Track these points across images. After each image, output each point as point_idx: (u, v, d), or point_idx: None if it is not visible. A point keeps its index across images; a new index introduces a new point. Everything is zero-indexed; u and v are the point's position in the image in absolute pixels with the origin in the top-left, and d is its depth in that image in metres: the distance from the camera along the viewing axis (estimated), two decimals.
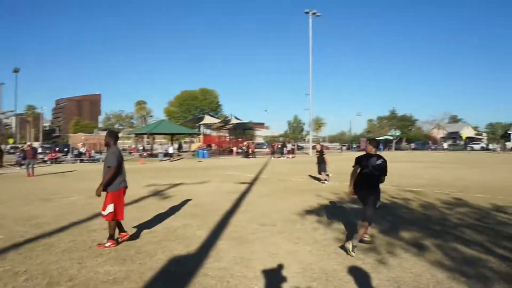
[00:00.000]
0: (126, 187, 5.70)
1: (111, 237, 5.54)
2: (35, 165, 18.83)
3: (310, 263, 4.71)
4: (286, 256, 5.00)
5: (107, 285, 4.04)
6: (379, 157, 5.39)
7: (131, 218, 7.47)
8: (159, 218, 7.47)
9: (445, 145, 72.76)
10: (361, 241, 5.39)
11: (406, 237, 5.93)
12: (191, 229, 6.64)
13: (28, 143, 27.64)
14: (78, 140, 73.27)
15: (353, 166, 5.60)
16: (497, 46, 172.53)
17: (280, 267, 4.58)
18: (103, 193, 5.44)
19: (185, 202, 9.58)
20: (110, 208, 5.37)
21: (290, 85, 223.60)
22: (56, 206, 9.27)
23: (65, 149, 40.84)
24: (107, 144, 5.65)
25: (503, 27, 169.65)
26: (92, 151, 38.62)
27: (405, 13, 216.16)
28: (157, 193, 11.31)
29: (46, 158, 30.57)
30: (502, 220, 7.00)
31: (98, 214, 7.98)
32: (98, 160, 32.72)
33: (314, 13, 45.55)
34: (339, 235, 6.11)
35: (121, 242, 5.62)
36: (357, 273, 4.33)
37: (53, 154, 31.27)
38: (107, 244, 5.47)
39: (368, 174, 5.33)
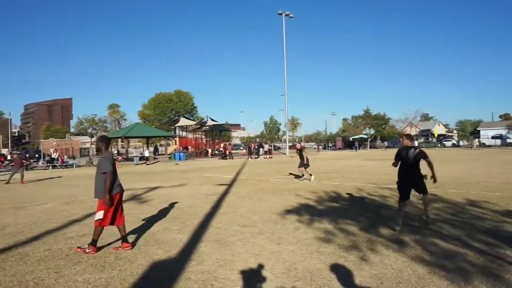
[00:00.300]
0: (122, 192, 5.56)
1: (93, 243, 5.39)
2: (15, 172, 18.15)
3: (293, 262, 4.71)
4: (269, 257, 4.98)
5: None
6: (415, 147, 6.48)
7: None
8: (138, 223, 7.32)
9: (416, 143, 74.67)
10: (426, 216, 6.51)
11: (386, 233, 6.02)
12: (171, 233, 6.53)
13: (16, 152, 26.89)
14: (50, 146, 71.06)
15: (393, 164, 6.64)
16: (465, 45, 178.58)
17: (264, 267, 4.55)
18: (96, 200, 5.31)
19: (163, 205, 9.44)
20: (99, 215, 5.24)
21: (265, 86, 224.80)
22: (30, 214, 8.95)
23: (36, 155, 39.63)
24: (98, 149, 5.58)
25: (472, 26, 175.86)
26: (65, 157, 37.63)
27: (376, 13, 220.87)
28: (134, 198, 11.10)
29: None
30: (477, 215, 7.20)
31: (75, 221, 7.80)
32: (71, 165, 31.90)
33: (287, 15, 45.89)
34: (320, 234, 6.14)
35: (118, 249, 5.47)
36: (340, 271, 4.35)
37: (24, 161, 30.23)
38: (87, 250, 5.32)
39: (411, 164, 6.30)
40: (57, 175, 22.36)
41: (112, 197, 5.27)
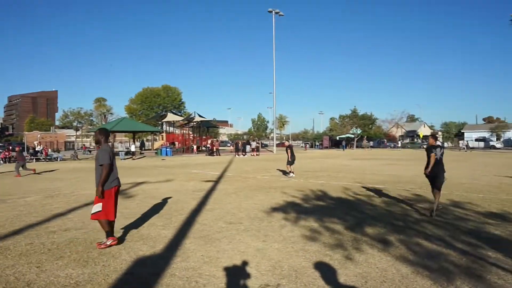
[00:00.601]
0: (119, 185, 5.53)
1: (108, 234, 5.35)
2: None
3: (278, 260, 4.71)
4: (255, 254, 4.97)
5: None
6: (441, 146, 7.66)
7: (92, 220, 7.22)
8: (123, 218, 7.22)
9: (399, 143, 75.78)
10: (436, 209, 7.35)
11: (371, 233, 6.07)
12: (156, 228, 6.47)
13: (17, 145, 26.55)
14: (34, 138, 69.84)
15: (428, 156, 7.45)
16: (451, 47, 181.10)
17: (249, 265, 4.54)
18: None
19: (149, 201, 9.36)
20: (97, 207, 5.20)
21: (254, 84, 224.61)
22: (11, 207, 8.78)
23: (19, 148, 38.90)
24: (97, 142, 5.49)
25: (459, 28, 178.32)
26: (49, 150, 37.04)
27: (364, 14, 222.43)
28: (119, 193, 10.96)
29: None
30: (460, 216, 7.31)
31: (58, 215, 7.67)
32: (56, 159, 31.41)
33: (277, 13, 45.85)
34: (306, 232, 6.15)
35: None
36: (325, 269, 4.37)
37: (7, 153, 29.66)
38: (108, 242, 5.28)
39: (439, 160, 7.44)
40: (44, 168, 21.97)
41: (107, 190, 5.26)
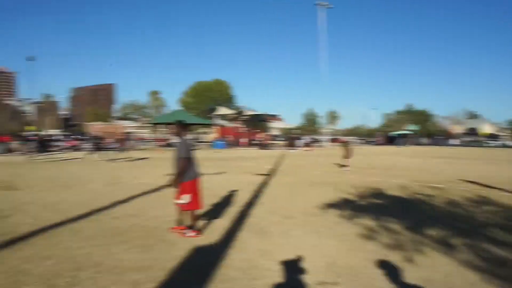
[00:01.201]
0: (199, 177, 5.68)
1: (192, 227, 5.57)
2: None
3: (334, 257, 4.62)
4: (310, 250, 4.92)
5: (132, 273, 4.03)
6: None
7: (151, 207, 7.52)
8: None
9: (458, 141, 71.48)
10: None
11: (432, 234, 5.78)
12: (211, 219, 6.61)
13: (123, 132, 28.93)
14: (95, 129, 74.14)
15: None
16: None
17: (304, 260, 4.50)
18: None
19: (204, 192, 9.55)
20: (186, 198, 5.38)
21: (305, 78, 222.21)
22: (78, 192, 9.36)
23: (83, 138, 41.40)
24: (177, 134, 5.58)
25: None
26: (110, 140, 39.02)
27: (422, 5, 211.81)
28: None
29: (66, 146, 30.98)
30: None
31: (120, 202, 8.06)
32: (115, 149, 33.05)
33: (325, 5, 44.83)
34: (362, 230, 5.99)
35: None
36: (384, 270, 4.22)
37: (73, 142, 31.76)
38: (188, 234, 5.47)
39: None
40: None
41: (189, 181, 5.41)
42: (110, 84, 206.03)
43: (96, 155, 21.24)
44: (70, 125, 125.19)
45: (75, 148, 30.56)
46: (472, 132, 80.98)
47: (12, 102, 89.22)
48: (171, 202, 7.99)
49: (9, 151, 26.83)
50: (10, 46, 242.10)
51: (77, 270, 4.06)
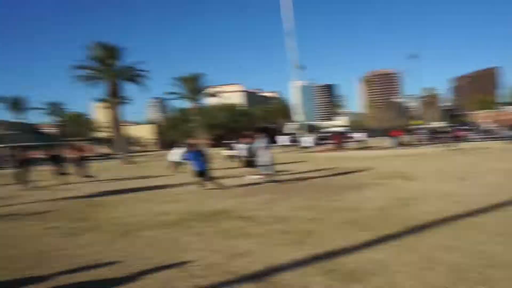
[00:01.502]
0: None
1: None
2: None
3: None
4: None
5: None
6: None
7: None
8: None
9: None
10: None
11: None
12: None
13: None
14: (480, 118, 68.76)
15: None
16: None
17: None
18: None
19: None
20: None
21: None
22: (471, 185, 8.96)
23: (469, 128, 39.64)
24: None
25: None
26: (500, 128, 35.46)
27: None
28: None
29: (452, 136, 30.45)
30: None
31: None
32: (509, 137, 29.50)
33: None
34: None
35: None
36: None
37: (460, 133, 31.19)
38: None
39: None
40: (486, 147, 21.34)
41: None
42: (492, 68, 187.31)
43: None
44: (453, 115, 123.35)
45: (460, 139, 29.39)
46: None
47: (398, 99, 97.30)
48: None
49: (401, 144, 28.94)
50: (394, 49, 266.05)
51: (485, 267, 3.81)
